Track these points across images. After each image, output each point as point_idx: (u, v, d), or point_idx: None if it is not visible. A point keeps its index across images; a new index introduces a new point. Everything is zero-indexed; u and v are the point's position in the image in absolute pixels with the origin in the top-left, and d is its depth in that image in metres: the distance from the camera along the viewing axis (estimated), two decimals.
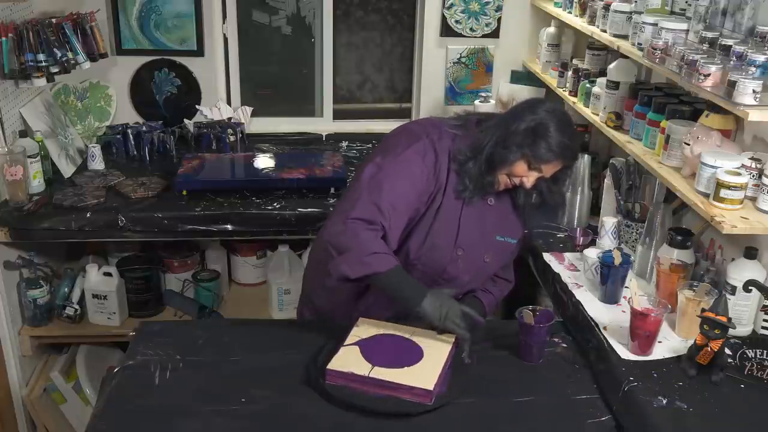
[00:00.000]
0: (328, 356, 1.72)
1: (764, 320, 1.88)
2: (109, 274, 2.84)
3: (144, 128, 3.17)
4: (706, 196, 1.87)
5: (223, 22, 3.38)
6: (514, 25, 3.40)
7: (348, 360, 1.70)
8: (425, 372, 1.67)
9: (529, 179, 1.82)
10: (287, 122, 3.60)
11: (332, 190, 2.81)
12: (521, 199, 1.92)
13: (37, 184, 2.72)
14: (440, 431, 1.59)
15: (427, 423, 1.60)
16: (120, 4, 3.22)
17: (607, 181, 2.45)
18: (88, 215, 2.60)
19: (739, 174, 1.81)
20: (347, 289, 1.95)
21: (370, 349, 1.73)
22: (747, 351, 1.79)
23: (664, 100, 2.19)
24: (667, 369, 1.73)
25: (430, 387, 1.62)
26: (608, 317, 1.94)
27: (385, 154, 1.85)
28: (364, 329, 1.82)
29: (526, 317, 1.82)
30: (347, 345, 1.75)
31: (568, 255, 2.31)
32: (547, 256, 2.31)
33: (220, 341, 1.88)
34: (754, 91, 1.68)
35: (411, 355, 1.72)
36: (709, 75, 1.79)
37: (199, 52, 3.32)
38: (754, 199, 1.85)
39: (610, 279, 2.00)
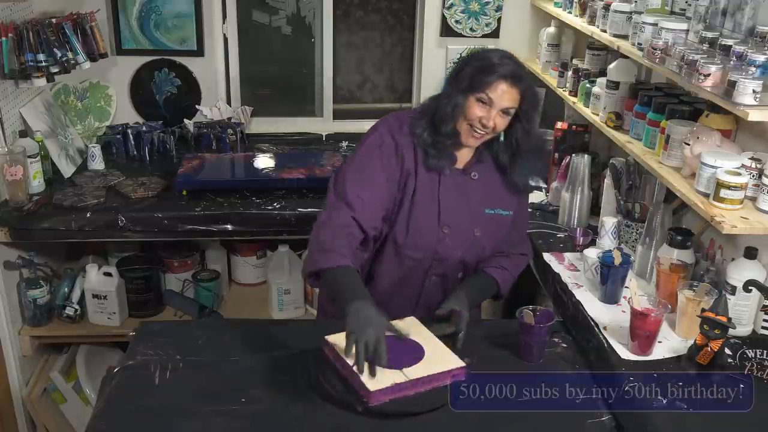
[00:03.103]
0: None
1: (764, 320, 1.88)
2: (109, 274, 2.84)
3: (144, 128, 3.17)
4: (706, 196, 1.87)
5: (223, 22, 3.39)
6: (514, 25, 3.40)
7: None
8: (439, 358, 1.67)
9: (490, 118, 1.81)
10: (287, 122, 3.60)
11: None
12: (503, 157, 1.92)
13: (37, 184, 2.72)
14: (440, 431, 1.59)
15: (427, 423, 1.59)
16: (120, 4, 3.23)
17: (607, 181, 2.45)
18: (88, 215, 2.60)
19: (739, 174, 1.81)
20: None
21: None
22: (747, 351, 1.79)
23: (664, 100, 2.19)
24: (667, 369, 1.73)
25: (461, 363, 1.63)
26: (608, 317, 1.94)
27: (350, 156, 1.94)
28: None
29: (526, 317, 1.82)
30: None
31: (568, 255, 2.31)
32: (547, 256, 2.30)
33: (220, 341, 1.88)
34: (754, 91, 1.67)
35: (411, 354, 1.72)
36: (709, 75, 1.79)
37: (199, 52, 3.33)
38: (754, 199, 1.85)
39: (610, 279, 2.00)
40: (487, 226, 1.95)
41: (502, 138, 1.90)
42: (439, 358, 1.69)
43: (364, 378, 1.57)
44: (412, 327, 1.80)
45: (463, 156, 1.94)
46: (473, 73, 1.81)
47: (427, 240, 1.89)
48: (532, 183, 2.01)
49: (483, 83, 1.79)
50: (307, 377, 1.72)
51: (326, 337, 1.72)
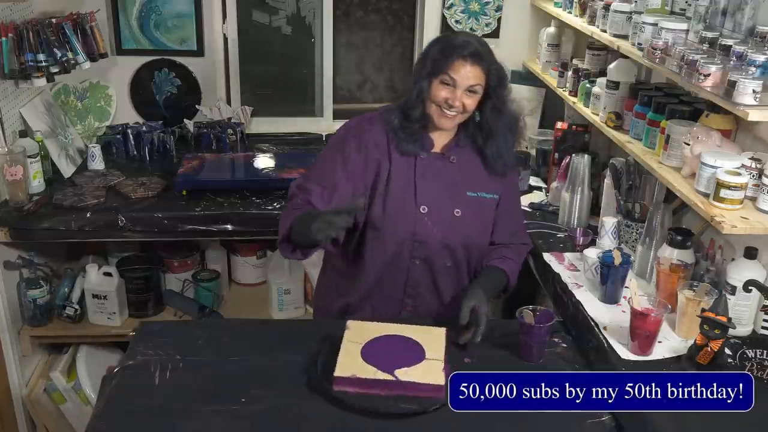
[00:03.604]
0: (326, 361, 1.71)
1: (764, 320, 1.88)
2: (109, 274, 2.84)
3: (144, 128, 3.17)
4: (706, 196, 1.87)
5: (223, 22, 3.39)
6: (514, 25, 3.40)
7: (352, 365, 1.68)
8: (433, 368, 1.67)
9: (456, 98, 1.84)
10: (287, 122, 3.60)
11: None
12: (477, 137, 1.95)
13: (37, 184, 2.72)
14: (440, 431, 1.59)
15: (428, 423, 1.59)
16: (120, 4, 3.23)
17: (607, 181, 2.45)
18: (88, 215, 2.60)
19: (739, 174, 1.81)
20: (331, 288, 2.08)
21: (370, 352, 1.72)
22: (747, 351, 1.79)
23: (664, 100, 2.19)
24: (667, 369, 1.73)
25: (441, 382, 1.62)
26: (608, 317, 1.94)
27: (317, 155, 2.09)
28: (357, 333, 1.79)
29: (526, 317, 1.82)
30: (347, 350, 1.72)
31: (568, 255, 2.30)
32: (547, 256, 2.30)
33: (220, 341, 1.88)
34: (754, 91, 1.68)
35: (411, 356, 1.72)
36: (709, 75, 1.79)
37: (199, 52, 3.33)
38: (754, 199, 1.85)
39: (610, 279, 2.00)
40: (469, 207, 1.96)
41: (477, 119, 1.93)
42: (426, 371, 1.67)
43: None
44: (433, 337, 1.78)
45: (441, 140, 1.97)
46: (435, 56, 1.86)
47: (405, 221, 1.92)
48: (508, 162, 2.00)
49: (445, 64, 1.83)
50: (307, 378, 1.72)
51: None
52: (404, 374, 1.64)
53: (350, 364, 1.68)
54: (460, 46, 1.83)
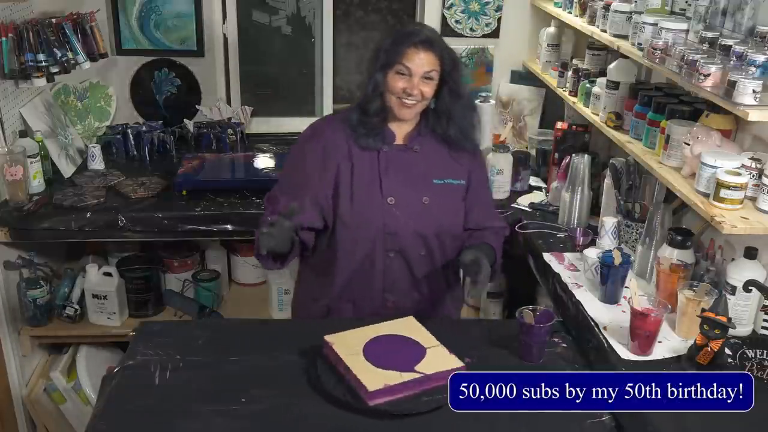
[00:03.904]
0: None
1: (764, 320, 1.88)
2: (109, 274, 2.84)
3: (144, 128, 3.17)
4: (706, 196, 1.87)
5: (223, 22, 3.38)
6: (514, 25, 3.40)
7: (375, 376, 1.64)
8: (441, 354, 1.70)
9: (414, 86, 1.87)
10: (287, 122, 3.60)
11: None
12: (437, 125, 1.97)
13: (37, 184, 2.72)
14: (440, 431, 1.59)
15: (427, 423, 1.59)
16: (120, 4, 3.23)
17: (607, 181, 2.45)
18: (88, 215, 2.60)
19: (739, 174, 1.81)
20: (308, 293, 2.10)
21: (375, 358, 1.70)
22: (747, 351, 1.79)
23: (664, 100, 2.19)
24: (667, 369, 1.73)
25: (461, 363, 1.66)
26: (608, 317, 1.94)
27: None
28: (343, 345, 1.75)
29: (526, 317, 1.82)
30: (356, 363, 1.68)
31: (568, 255, 2.31)
32: (547, 256, 2.30)
33: (220, 341, 1.88)
34: (754, 91, 1.68)
35: (413, 350, 1.72)
36: (709, 75, 1.79)
37: (199, 52, 3.33)
38: (754, 199, 1.85)
39: (610, 279, 2.00)
40: (436, 195, 1.98)
41: (432, 106, 1.95)
42: (438, 359, 1.69)
43: (362, 378, 1.61)
44: (412, 327, 1.81)
45: (402, 131, 1.99)
46: (388, 48, 1.88)
47: (373, 213, 1.93)
48: (474, 140, 2.04)
49: (398, 54, 1.86)
50: (307, 378, 1.72)
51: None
52: (426, 368, 1.65)
53: (372, 375, 1.64)
54: (411, 35, 1.87)
